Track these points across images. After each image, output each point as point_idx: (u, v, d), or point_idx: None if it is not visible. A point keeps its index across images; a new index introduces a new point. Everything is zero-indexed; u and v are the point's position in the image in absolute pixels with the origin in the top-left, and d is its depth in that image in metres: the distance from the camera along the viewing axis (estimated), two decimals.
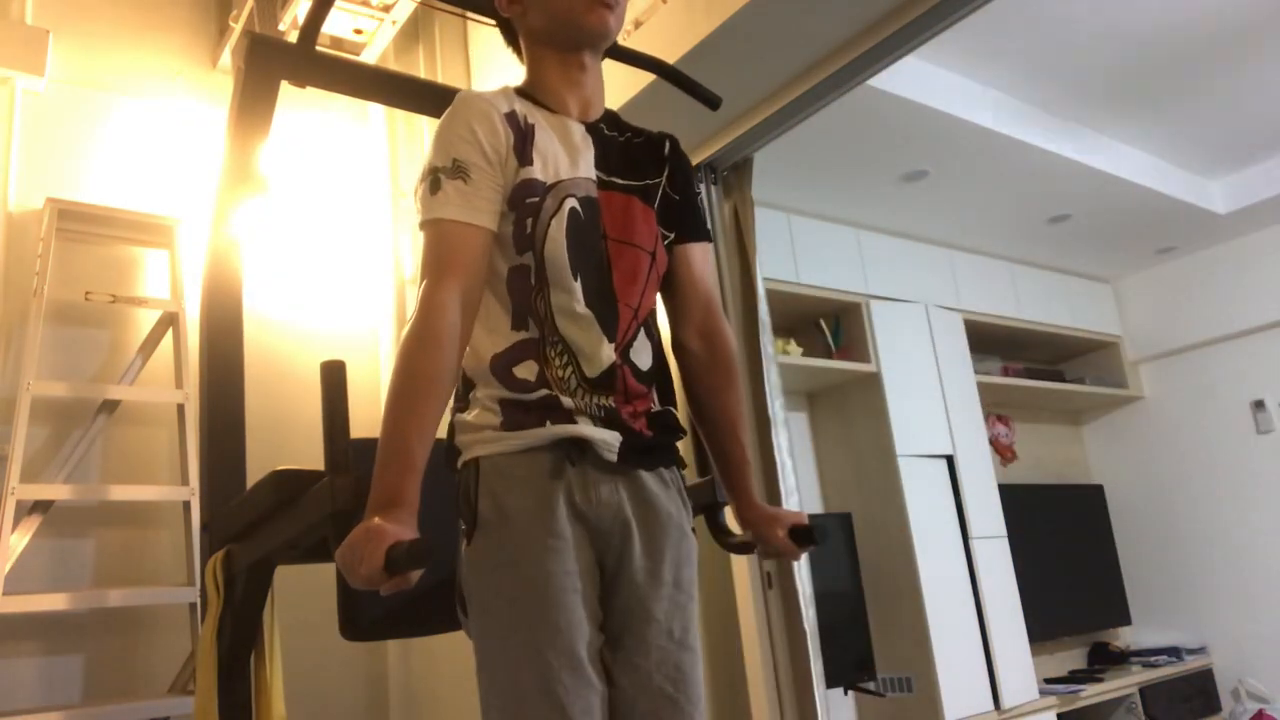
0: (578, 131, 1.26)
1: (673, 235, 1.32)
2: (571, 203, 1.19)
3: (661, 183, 1.31)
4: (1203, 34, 3.11)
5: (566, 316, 1.17)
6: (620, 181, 1.26)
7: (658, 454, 1.22)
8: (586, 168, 1.23)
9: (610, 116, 1.33)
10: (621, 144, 1.30)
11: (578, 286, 1.17)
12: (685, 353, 1.35)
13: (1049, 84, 3.31)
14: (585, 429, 1.14)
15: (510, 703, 1.06)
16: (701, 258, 1.36)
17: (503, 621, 1.08)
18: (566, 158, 1.22)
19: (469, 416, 1.17)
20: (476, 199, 1.16)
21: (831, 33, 2.24)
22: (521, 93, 1.27)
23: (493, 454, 1.13)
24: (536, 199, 1.18)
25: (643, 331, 1.25)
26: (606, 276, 1.20)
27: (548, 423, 1.13)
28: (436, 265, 1.13)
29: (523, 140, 1.20)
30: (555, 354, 1.17)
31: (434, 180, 1.16)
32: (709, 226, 1.39)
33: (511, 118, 1.21)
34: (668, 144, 1.36)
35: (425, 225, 1.16)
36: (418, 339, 1.08)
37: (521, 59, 1.34)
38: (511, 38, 1.35)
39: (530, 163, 1.19)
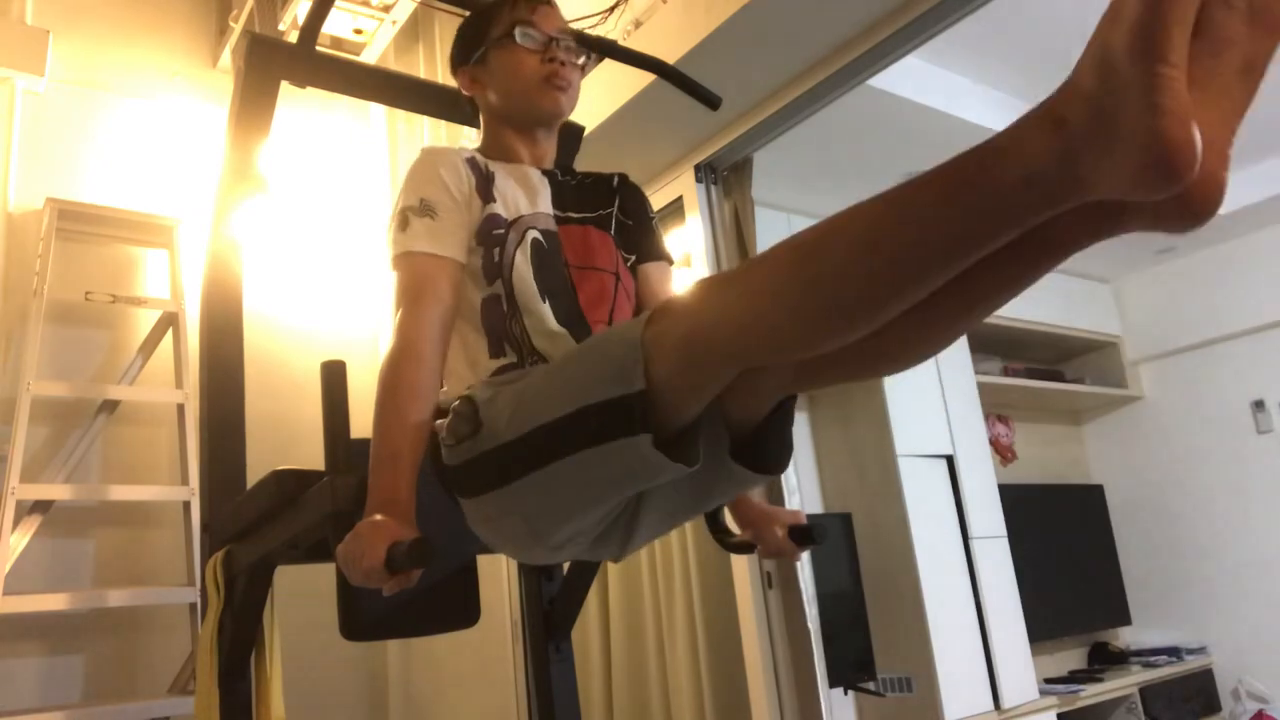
0: (534, 175, 1.33)
1: (633, 257, 1.37)
2: (534, 234, 1.26)
3: (614, 211, 1.38)
4: None
5: (543, 336, 1.20)
6: (576, 215, 1.32)
7: None
8: (545, 204, 1.30)
9: (563, 165, 1.42)
10: (574, 185, 1.37)
11: (547, 308, 1.21)
12: None
13: (1049, 84, 3.30)
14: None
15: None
16: (659, 275, 1.40)
17: (538, 400, 0.99)
18: (525, 198, 1.29)
19: (449, 396, 1.17)
20: (444, 234, 1.21)
21: (831, 33, 2.24)
22: (480, 151, 1.35)
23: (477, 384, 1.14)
24: (501, 231, 1.24)
25: None
26: (573, 300, 1.24)
27: None
28: (410, 294, 1.17)
29: (485, 182, 1.27)
30: None
31: (403, 219, 1.22)
32: (666, 250, 1.43)
33: (473, 163, 1.28)
34: (616, 178, 1.43)
35: (396, 260, 1.21)
36: (397, 357, 1.12)
37: (480, 131, 1.42)
38: (474, 113, 1.44)
39: (493, 199, 1.26)
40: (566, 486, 0.96)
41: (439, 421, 1.14)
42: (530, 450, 0.95)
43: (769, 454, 1.00)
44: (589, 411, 0.89)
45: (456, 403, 1.08)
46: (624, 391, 0.85)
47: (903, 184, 0.71)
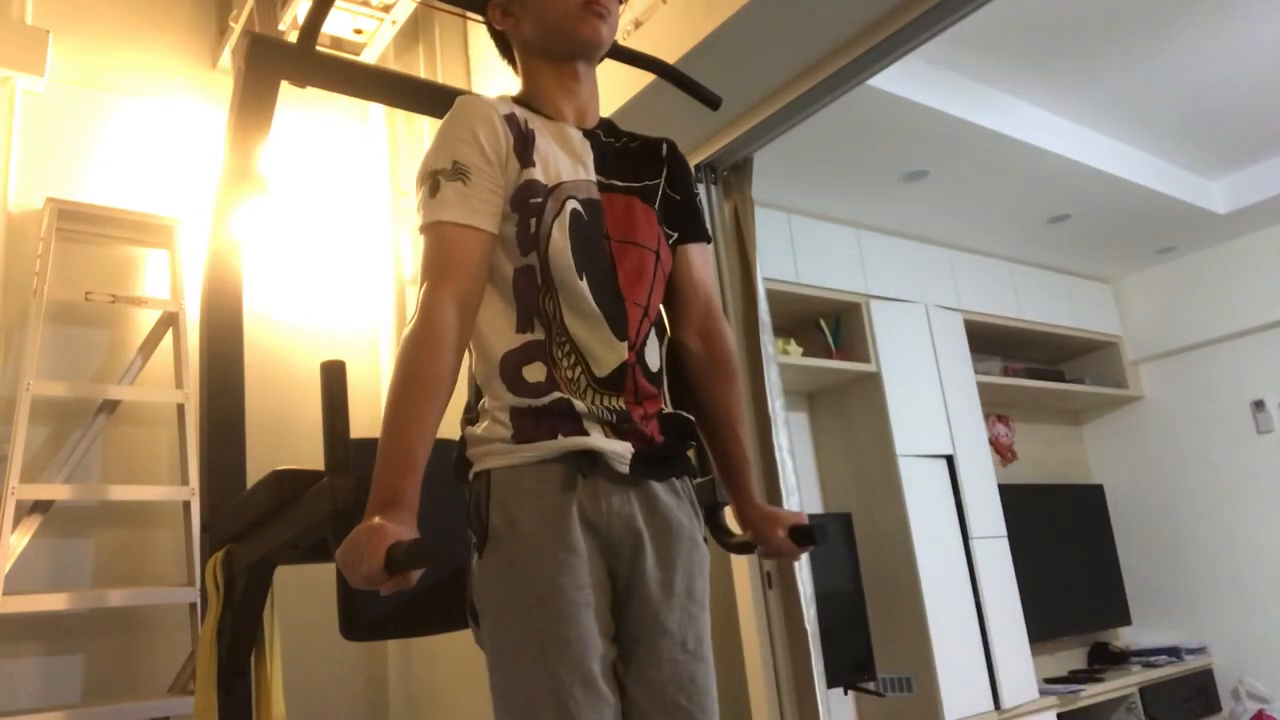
0: (576, 137, 1.26)
1: (675, 235, 1.33)
2: (573, 204, 1.19)
3: (661, 183, 1.32)
4: None
5: (576, 316, 1.17)
6: (620, 184, 1.27)
7: (670, 464, 1.22)
8: (586, 171, 1.24)
9: (606, 124, 1.34)
10: (619, 149, 1.31)
11: (584, 286, 1.17)
12: (686, 353, 1.35)
13: (1050, 83, 3.31)
14: (596, 441, 1.13)
15: (523, 716, 1.06)
16: (701, 259, 1.36)
17: (515, 635, 1.08)
18: (567, 161, 1.23)
19: (479, 430, 1.16)
20: (476, 201, 1.15)
21: (831, 33, 2.24)
22: (519, 101, 1.28)
23: (503, 466, 1.13)
24: (539, 199, 1.18)
25: (653, 330, 1.25)
26: (612, 276, 1.20)
27: (558, 434, 1.12)
28: (436, 268, 1.13)
29: (523, 142, 1.20)
30: (563, 354, 1.16)
31: (434, 183, 1.16)
32: (709, 228, 1.39)
33: (511, 120, 1.21)
34: (665, 146, 1.37)
35: (425, 228, 1.16)
36: (418, 340, 1.08)
37: (516, 71, 1.35)
38: (506, 50, 1.36)
39: (532, 164, 1.19)
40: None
41: (469, 430, 1.17)
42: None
43: None
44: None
45: (472, 496, 1.15)
46: None
47: None
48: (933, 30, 2.19)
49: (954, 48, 2.96)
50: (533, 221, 1.18)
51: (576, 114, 1.29)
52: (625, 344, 1.18)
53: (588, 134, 1.28)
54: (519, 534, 1.10)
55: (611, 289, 1.19)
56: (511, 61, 1.36)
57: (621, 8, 1.32)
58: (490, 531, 1.11)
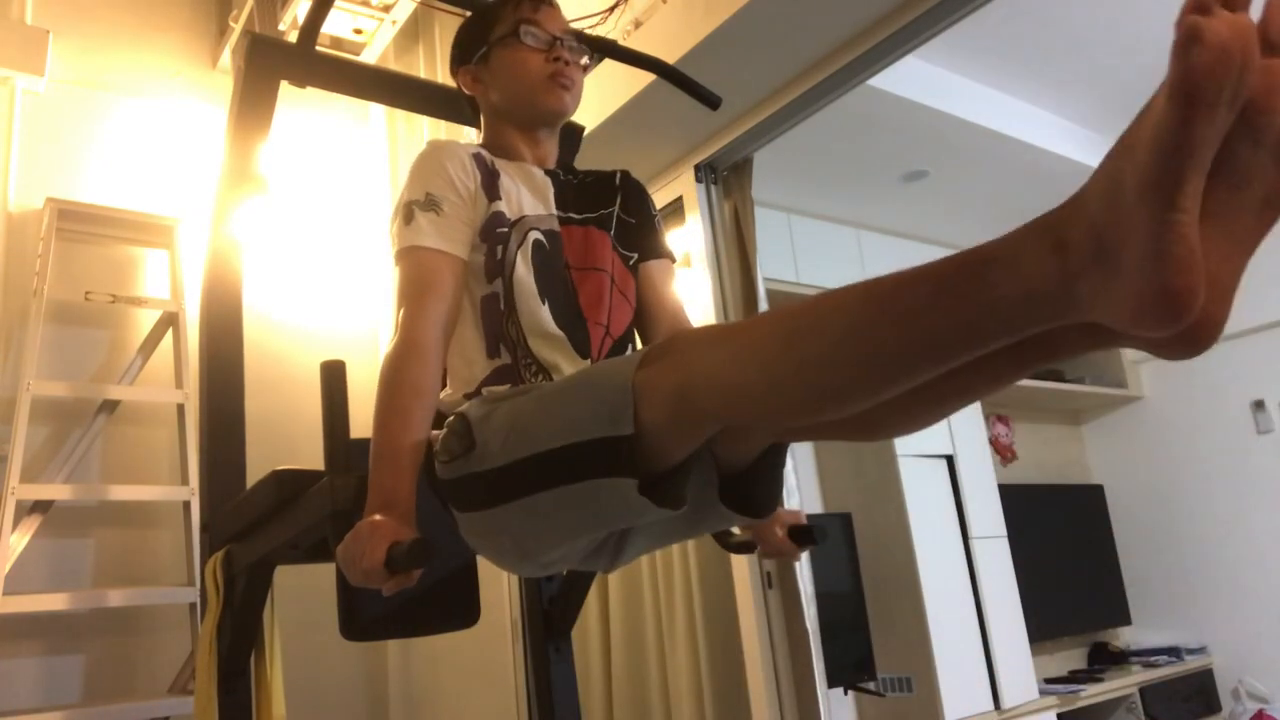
0: (538, 174, 1.33)
1: (635, 256, 1.37)
2: (535, 234, 1.26)
3: (615, 210, 1.37)
4: None
5: (538, 337, 1.20)
6: (577, 216, 1.32)
7: None
8: (547, 206, 1.30)
9: (565, 165, 1.42)
10: (576, 185, 1.37)
11: (545, 309, 1.21)
12: None
13: (1050, 83, 3.31)
14: None
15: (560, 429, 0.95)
16: (662, 274, 1.40)
17: (529, 438, 0.97)
18: (529, 197, 1.29)
19: (449, 402, 1.19)
20: (449, 230, 1.20)
21: (831, 33, 2.24)
22: (484, 147, 1.34)
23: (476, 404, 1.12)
24: (505, 229, 1.24)
25: (615, 348, 1.28)
26: (573, 299, 1.25)
27: None
28: (414, 290, 1.17)
29: (491, 178, 1.26)
30: (530, 375, 1.19)
31: (408, 213, 1.21)
32: (669, 248, 1.43)
33: (479, 158, 1.27)
34: (618, 176, 1.42)
35: (400, 255, 1.20)
36: (400, 353, 1.11)
37: (479, 130, 1.41)
38: (474, 112, 1.43)
39: (498, 197, 1.25)
40: (553, 516, 0.96)
41: (434, 432, 1.13)
42: (519, 477, 0.95)
43: (756, 499, 0.99)
44: (579, 448, 0.89)
45: (451, 418, 1.07)
46: (613, 433, 0.85)
47: (892, 279, 0.69)
48: (933, 30, 2.19)
49: (954, 48, 2.97)
50: (499, 249, 1.23)
51: (537, 160, 1.36)
52: (588, 361, 1.21)
53: (548, 173, 1.34)
54: (498, 416, 1.03)
55: (573, 311, 1.24)
56: (477, 123, 1.43)
57: (620, 10, 1.34)
58: (473, 426, 1.03)
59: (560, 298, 1.23)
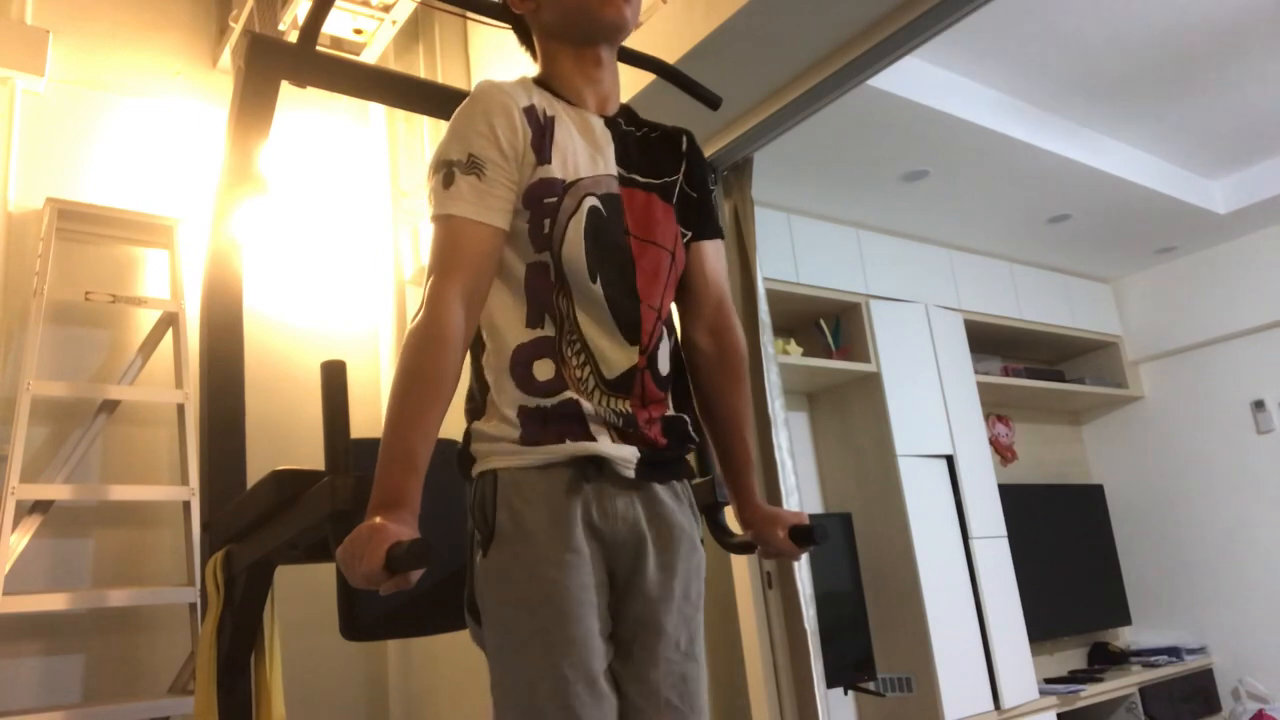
0: (598, 125, 1.24)
1: (690, 234, 1.32)
2: (591, 201, 1.18)
3: (679, 179, 1.31)
4: (1203, 34, 3.10)
5: (589, 318, 1.16)
6: (641, 179, 1.25)
7: (671, 467, 1.23)
8: (607, 164, 1.22)
9: (627, 111, 1.32)
10: (639, 139, 1.29)
11: (598, 289, 1.16)
12: (695, 351, 1.34)
13: (1049, 84, 3.31)
14: (603, 447, 1.13)
15: (527, 715, 1.06)
16: (715, 255, 1.35)
17: (519, 635, 1.08)
18: (587, 154, 1.21)
19: (486, 426, 1.15)
20: (490, 197, 1.14)
21: (831, 33, 2.24)
22: (539, 83, 1.25)
23: (510, 467, 1.12)
24: (555, 199, 1.16)
25: (664, 333, 1.24)
26: (630, 276, 1.19)
27: (566, 440, 1.12)
28: (444, 262, 1.12)
29: (541, 136, 1.18)
30: (573, 353, 1.15)
31: (448, 174, 1.14)
32: (720, 225, 1.38)
33: (530, 112, 1.19)
34: (684, 140, 1.35)
35: (436, 220, 1.14)
36: (423, 337, 1.07)
37: (535, 57, 1.32)
38: (524, 36, 1.33)
39: (549, 160, 1.17)
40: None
41: (476, 425, 1.16)
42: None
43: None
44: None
45: (477, 493, 1.14)
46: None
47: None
48: (933, 30, 2.19)
49: (954, 48, 2.97)
50: (546, 222, 1.16)
51: (598, 101, 1.27)
52: (637, 349, 1.18)
53: (609, 122, 1.26)
54: (525, 534, 1.10)
55: (628, 289, 1.18)
56: (530, 48, 1.34)
57: None
58: (496, 530, 1.11)
59: (615, 272, 1.17)
